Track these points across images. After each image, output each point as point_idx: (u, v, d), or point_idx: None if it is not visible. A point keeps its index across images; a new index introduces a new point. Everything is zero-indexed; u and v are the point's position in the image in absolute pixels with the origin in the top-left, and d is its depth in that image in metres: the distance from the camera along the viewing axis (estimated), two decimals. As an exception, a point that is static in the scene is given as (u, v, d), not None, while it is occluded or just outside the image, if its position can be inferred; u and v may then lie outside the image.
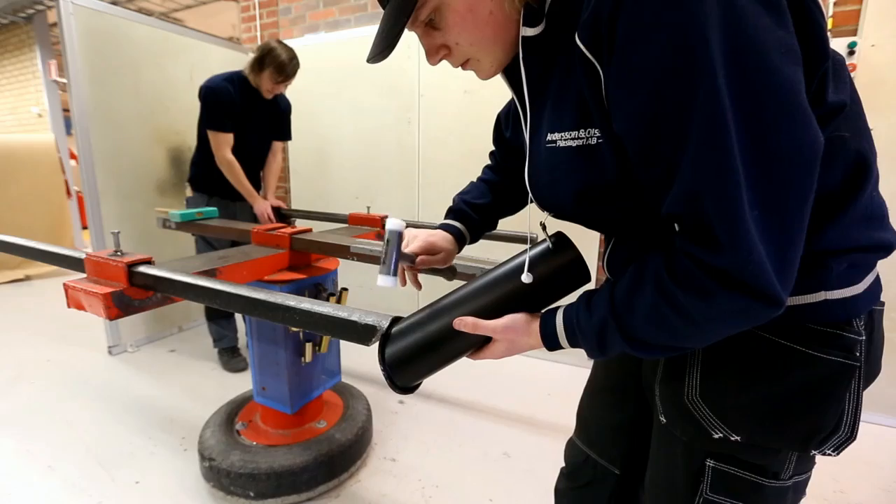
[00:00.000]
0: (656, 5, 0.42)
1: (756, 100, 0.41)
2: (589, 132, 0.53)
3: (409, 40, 2.63)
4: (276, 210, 2.37)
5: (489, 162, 0.95)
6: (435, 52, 0.61)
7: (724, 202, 0.42)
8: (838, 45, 1.81)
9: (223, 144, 2.14)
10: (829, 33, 0.49)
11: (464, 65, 0.63)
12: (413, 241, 0.79)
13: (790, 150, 0.42)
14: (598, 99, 0.50)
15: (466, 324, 0.61)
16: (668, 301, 0.47)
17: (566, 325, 0.58)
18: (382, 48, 0.58)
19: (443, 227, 0.86)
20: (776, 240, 0.42)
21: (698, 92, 0.41)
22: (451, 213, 0.88)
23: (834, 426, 0.55)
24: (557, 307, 0.61)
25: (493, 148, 0.93)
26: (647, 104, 0.45)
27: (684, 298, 0.46)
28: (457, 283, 0.77)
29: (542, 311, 0.63)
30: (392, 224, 0.70)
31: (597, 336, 0.55)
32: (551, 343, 0.59)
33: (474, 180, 0.94)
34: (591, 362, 0.84)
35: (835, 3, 1.87)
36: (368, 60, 0.62)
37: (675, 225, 0.47)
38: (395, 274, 0.69)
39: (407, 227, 0.76)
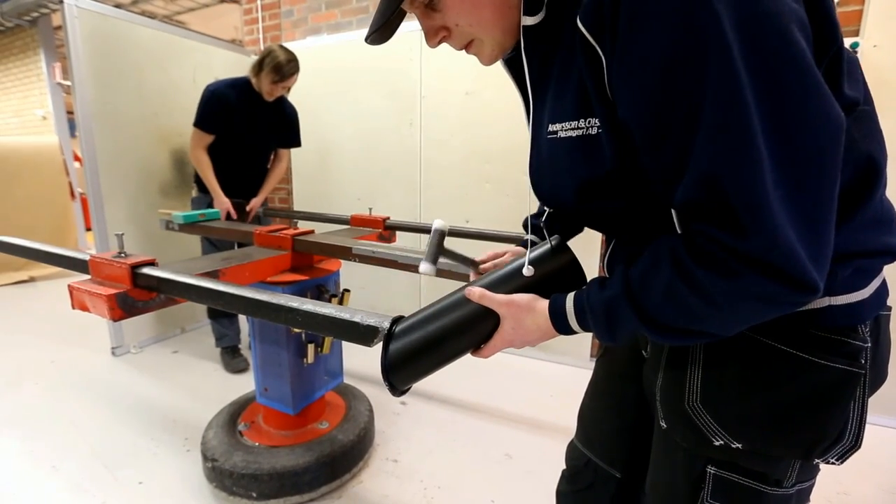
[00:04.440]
0: None
1: (774, 73, 0.39)
2: (589, 122, 0.52)
3: (411, 42, 2.64)
4: (239, 207, 2.34)
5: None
6: (434, 34, 0.60)
7: (746, 183, 0.39)
8: (841, 46, 1.80)
9: (200, 143, 2.22)
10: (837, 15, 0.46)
11: (467, 48, 0.62)
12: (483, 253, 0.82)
13: (814, 124, 0.39)
14: (600, 86, 0.48)
15: (473, 293, 0.61)
16: (685, 279, 0.45)
17: (576, 302, 0.56)
18: (378, 26, 0.58)
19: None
20: (805, 220, 0.40)
21: (710, 69, 0.39)
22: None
23: (838, 435, 0.54)
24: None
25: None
26: (656, 86, 0.43)
27: (703, 276, 0.44)
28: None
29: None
30: (436, 224, 0.74)
31: (605, 313, 0.53)
32: (560, 322, 0.57)
33: None
34: (593, 363, 0.84)
35: (837, 4, 1.86)
36: (366, 40, 0.61)
37: (690, 213, 0.45)
38: (434, 263, 0.73)
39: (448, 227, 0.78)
